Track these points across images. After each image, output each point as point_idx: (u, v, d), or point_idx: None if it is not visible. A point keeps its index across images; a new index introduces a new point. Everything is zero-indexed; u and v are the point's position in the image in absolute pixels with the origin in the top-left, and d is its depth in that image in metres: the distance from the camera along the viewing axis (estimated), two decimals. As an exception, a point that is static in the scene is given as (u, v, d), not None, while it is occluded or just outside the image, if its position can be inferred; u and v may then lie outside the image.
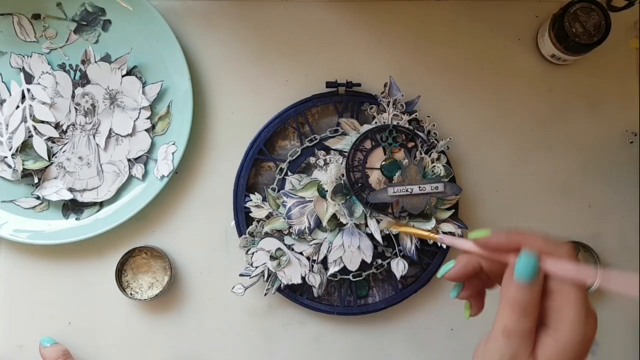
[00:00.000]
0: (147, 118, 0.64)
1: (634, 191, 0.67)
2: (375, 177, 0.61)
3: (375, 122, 0.63)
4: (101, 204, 0.64)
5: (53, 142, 0.63)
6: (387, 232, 0.61)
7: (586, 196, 0.67)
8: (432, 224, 0.61)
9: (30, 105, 0.63)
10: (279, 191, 0.63)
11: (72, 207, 0.64)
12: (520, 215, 0.66)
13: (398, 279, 0.62)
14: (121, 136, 0.64)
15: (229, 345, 0.65)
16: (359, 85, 0.64)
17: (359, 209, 0.61)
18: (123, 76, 0.64)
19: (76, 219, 0.64)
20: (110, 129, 0.64)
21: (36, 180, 0.63)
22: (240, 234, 0.63)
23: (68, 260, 0.65)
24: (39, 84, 0.63)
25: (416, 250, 0.62)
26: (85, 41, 0.65)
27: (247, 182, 0.64)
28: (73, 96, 0.64)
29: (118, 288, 0.62)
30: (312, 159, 0.64)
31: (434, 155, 0.61)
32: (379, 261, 0.63)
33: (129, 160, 0.64)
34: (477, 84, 0.67)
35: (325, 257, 0.61)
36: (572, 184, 0.67)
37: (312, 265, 0.62)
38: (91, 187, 0.63)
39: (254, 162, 0.64)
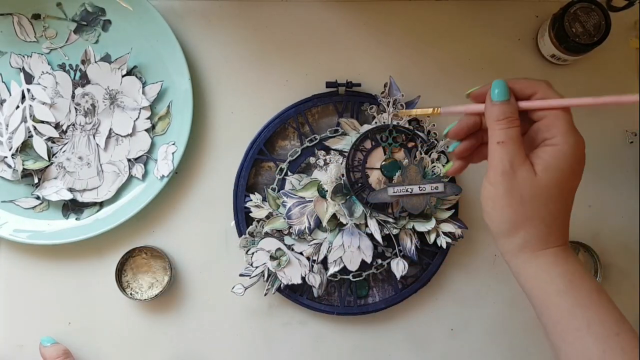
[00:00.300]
0: (147, 118, 0.64)
1: (634, 191, 0.67)
2: (375, 177, 0.61)
3: (375, 122, 0.63)
4: (101, 204, 0.64)
5: (53, 142, 0.63)
6: (387, 232, 0.61)
7: (586, 196, 0.67)
8: (432, 224, 0.61)
9: (30, 105, 0.63)
10: (279, 191, 0.63)
11: (72, 207, 0.64)
12: (520, 215, 0.66)
13: (398, 279, 0.62)
14: (121, 136, 0.64)
15: (229, 345, 0.65)
16: (359, 85, 0.64)
17: (359, 209, 0.61)
18: (123, 76, 0.64)
19: (76, 219, 0.64)
20: (110, 129, 0.64)
21: (36, 180, 0.63)
22: (240, 234, 0.63)
23: (68, 260, 0.65)
24: (39, 84, 0.63)
25: (416, 250, 0.62)
26: (85, 41, 0.65)
27: (247, 182, 0.64)
28: (73, 96, 0.64)
29: (118, 288, 0.62)
30: (312, 159, 0.64)
31: (434, 155, 0.61)
32: (379, 261, 0.63)
33: (129, 160, 0.64)
34: (477, 84, 0.67)
35: (325, 257, 0.61)
36: (572, 184, 0.67)
37: (312, 266, 0.62)
38: (91, 187, 0.63)
39: (254, 162, 0.64)
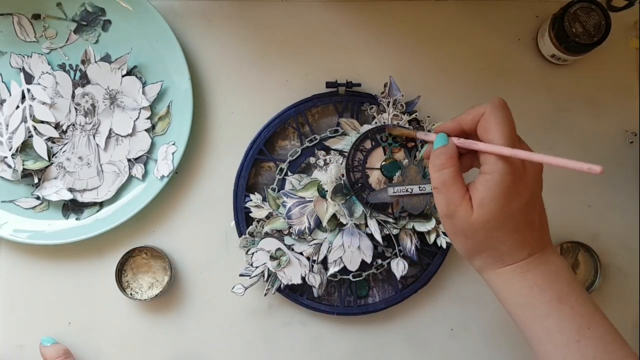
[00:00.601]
0: (147, 118, 0.64)
1: (634, 191, 0.67)
2: (375, 177, 0.61)
3: (375, 122, 0.63)
4: (101, 204, 0.64)
5: (53, 142, 0.63)
6: (387, 232, 0.61)
7: (586, 196, 0.67)
8: (432, 224, 0.61)
9: (30, 105, 0.63)
10: (279, 191, 0.63)
11: (72, 207, 0.64)
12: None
13: (398, 279, 0.62)
14: (121, 136, 0.64)
15: (229, 345, 0.65)
16: (359, 85, 0.64)
17: (359, 209, 0.61)
18: (123, 76, 0.64)
19: (76, 219, 0.64)
20: (110, 129, 0.64)
21: (36, 180, 0.63)
22: (240, 234, 0.63)
23: (68, 260, 0.65)
24: (39, 84, 0.63)
25: (416, 250, 0.62)
26: (85, 41, 0.65)
27: (247, 182, 0.64)
28: (73, 96, 0.64)
29: (118, 288, 0.62)
30: (312, 159, 0.64)
31: (434, 155, 0.61)
32: (379, 261, 0.63)
33: (129, 160, 0.64)
34: (477, 84, 0.67)
35: (325, 257, 0.61)
36: (572, 184, 0.67)
37: (312, 266, 0.62)
38: (91, 187, 0.63)
39: (254, 162, 0.64)
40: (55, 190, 0.63)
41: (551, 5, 0.67)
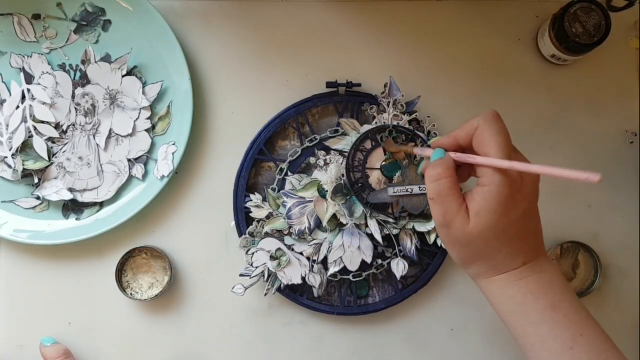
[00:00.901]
0: (147, 118, 0.64)
1: (634, 191, 0.67)
2: (375, 177, 0.61)
3: (375, 122, 0.63)
4: (101, 204, 0.64)
5: (53, 142, 0.63)
6: (387, 232, 0.61)
7: (586, 196, 0.67)
8: (432, 224, 0.61)
9: (30, 105, 0.63)
10: (279, 191, 0.63)
11: (72, 207, 0.64)
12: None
13: (398, 279, 0.62)
14: (121, 136, 0.64)
15: (229, 345, 0.65)
16: (359, 85, 0.64)
17: (359, 209, 0.61)
18: (123, 76, 0.64)
19: (76, 219, 0.64)
20: (110, 129, 0.64)
21: (36, 180, 0.63)
22: (240, 234, 0.63)
23: (68, 260, 0.65)
24: (39, 84, 0.63)
25: (416, 250, 0.62)
26: (85, 41, 0.65)
27: (247, 182, 0.64)
28: (73, 96, 0.64)
29: (118, 288, 0.62)
30: (312, 159, 0.64)
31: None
32: (379, 261, 0.63)
33: (129, 160, 0.64)
34: (477, 84, 0.67)
35: (325, 257, 0.61)
36: (572, 184, 0.67)
37: (312, 266, 0.62)
38: (91, 187, 0.63)
39: (254, 162, 0.64)
40: (55, 190, 0.63)
41: (551, 5, 0.67)
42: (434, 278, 0.64)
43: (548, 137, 0.67)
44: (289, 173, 0.63)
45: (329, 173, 0.61)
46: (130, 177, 0.64)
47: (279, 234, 0.62)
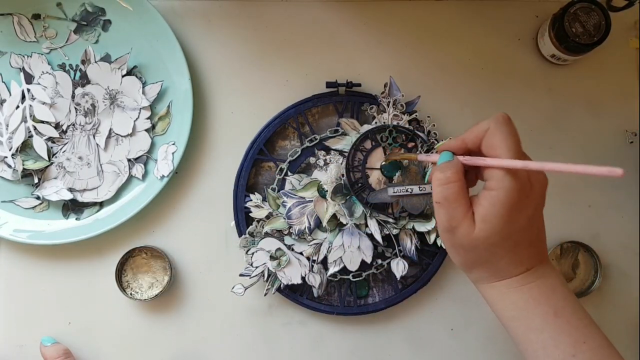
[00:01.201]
0: (147, 118, 0.64)
1: (634, 191, 0.67)
2: (375, 177, 0.61)
3: (376, 122, 0.63)
4: (101, 204, 0.64)
5: (53, 142, 0.63)
6: (387, 232, 0.61)
7: (586, 196, 0.67)
8: (432, 224, 0.61)
9: (30, 105, 0.63)
10: (279, 191, 0.63)
11: (72, 207, 0.64)
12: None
13: (398, 279, 0.62)
14: (121, 136, 0.64)
15: (229, 345, 0.65)
16: (359, 85, 0.64)
17: (359, 209, 0.61)
18: (123, 76, 0.64)
19: (76, 219, 0.64)
20: (110, 129, 0.64)
21: (36, 180, 0.63)
22: (240, 234, 0.63)
23: (68, 260, 0.65)
24: (39, 84, 0.63)
25: (416, 250, 0.62)
26: (85, 41, 0.65)
27: (247, 182, 0.64)
28: (73, 96, 0.64)
29: (118, 288, 0.62)
30: (312, 159, 0.64)
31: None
32: (379, 261, 0.63)
33: (129, 160, 0.64)
34: (477, 84, 0.67)
35: (325, 257, 0.61)
36: (572, 184, 0.67)
37: (312, 266, 0.62)
38: (91, 187, 0.63)
39: (254, 162, 0.64)
40: (55, 190, 0.63)
41: (551, 5, 0.67)
42: (434, 278, 0.64)
43: (548, 137, 0.67)
44: (289, 173, 0.63)
45: (329, 173, 0.61)
46: (130, 177, 0.64)
47: (279, 234, 0.62)
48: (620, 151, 0.67)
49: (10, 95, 0.63)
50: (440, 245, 0.62)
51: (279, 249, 0.62)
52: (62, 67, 0.64)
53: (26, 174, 0.63)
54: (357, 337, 0.65)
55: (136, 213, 0.62)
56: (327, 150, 0.64)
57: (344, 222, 0.61)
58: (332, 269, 0.61)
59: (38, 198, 0.63)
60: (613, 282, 0.66)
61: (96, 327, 0.65)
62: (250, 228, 0.62)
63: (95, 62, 0.64)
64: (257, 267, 0.61)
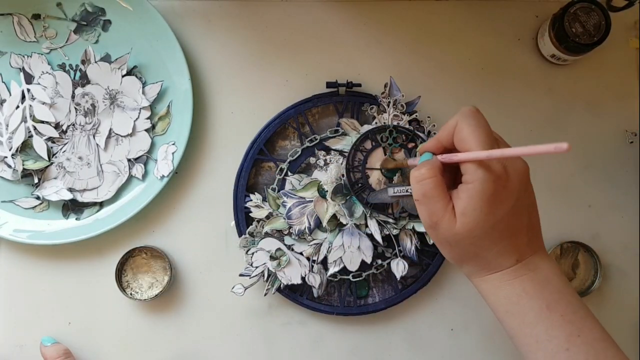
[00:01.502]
0: (147, 118, 0.64)
1: (634, 191, 0.67)
2: (375, 178, 0.61)
3: (376, 123, 0.63)
4: (101, 204, 0.64)
5: (53, 142, 0.63)
6: (387, 233, 0.61)
7: (586, 196, 0.67)
8: (432, 224, 0.61)
9: (30, 105, 0.63)
10: (279, 191, 0.63)
11: (72, 207, 0.64)
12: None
13: (398, 279, 0.62)
14: (121, 136, 0.64)
15: (229, 345, 0.65)
16: (359, 85, 0.64)
17: (359, 210, 0.61)
18: (123, 76, 0.64)
19: (76, 219, 0.64)
20: (110, 129, 0.64)
21: (36, 180, 0.63)
22: (240, 234, 0.63)
23: (68, 260, 0.65)
24: (39, 84, 0.63)
25: (416, 250, 0.62)
26: (85, 41, 0.65)
27: (247, 182, 0.64)
28: (73, 96, 0.64)
29: (118, 288, 0.62)
30: (312, 159, 0.64)
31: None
32: (379, 261, 0.63)
33: (129, 160, 0.64)
34: (477, 84, 0.67)
35: (325, 258, 0.61)
36: (572, 184, 0.67)
37: (312, 266, 0.62)
38: (91, 187, 0.63)
39: (254, 162, 0.64)
40: (55, 190, 0.63)
41: (551, 5, 0.67)
42: (434, 278, 0.64)
43: (548, 137, 0.67)
44: (289, 173, 0.63)
45: (329, 173, 0.61)
46: (130, 177, 0.64)
47: (279, 234, 0.62)
48: (620, 151, 0.67)
49: (10, 95, 0.63)
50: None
51: (279, 249, 0.62)
52: (62, 67, 0.64)
53: (26, 174, 0.63)
54: (357, 337, 0.65)
55: (136, 213, 0.62)
56: (327, 150, 0.64)
57: (344, 222, 0.61)
58: (332, 269, 0.61)
59: (38, 198, 0.63)
60: (613, 282, 0.66)
61: (96, 327, 0.65)
62: (250, 228, 0.62)
63: (95, 62, 0.64)
64: (257, 267, 0.61)
